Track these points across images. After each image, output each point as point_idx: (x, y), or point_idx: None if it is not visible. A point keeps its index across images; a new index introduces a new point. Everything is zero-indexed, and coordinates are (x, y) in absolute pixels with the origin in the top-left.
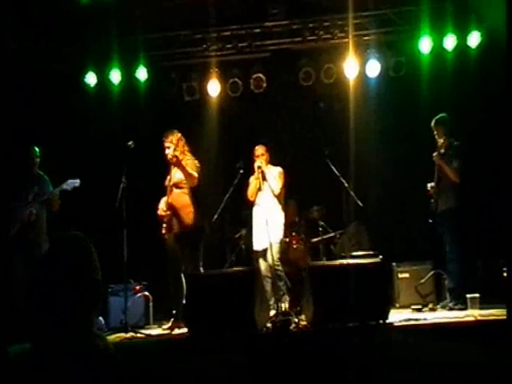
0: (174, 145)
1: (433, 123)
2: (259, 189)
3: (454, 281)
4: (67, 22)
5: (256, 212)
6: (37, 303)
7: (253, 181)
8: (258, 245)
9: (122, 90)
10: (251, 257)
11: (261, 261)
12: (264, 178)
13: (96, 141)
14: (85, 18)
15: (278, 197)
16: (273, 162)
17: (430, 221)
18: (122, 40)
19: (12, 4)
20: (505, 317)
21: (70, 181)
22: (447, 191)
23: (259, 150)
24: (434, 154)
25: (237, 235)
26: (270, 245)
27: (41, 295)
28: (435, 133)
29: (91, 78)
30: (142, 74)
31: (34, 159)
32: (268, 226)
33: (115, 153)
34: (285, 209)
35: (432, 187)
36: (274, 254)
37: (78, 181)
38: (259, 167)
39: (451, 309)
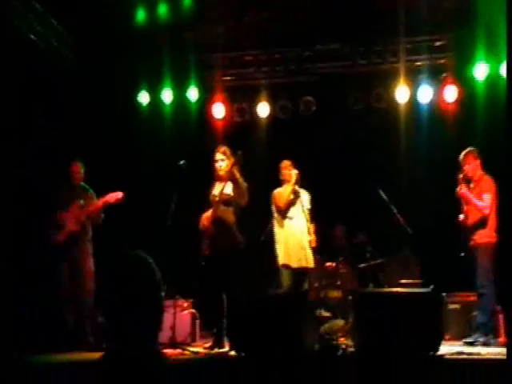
0: (226, 158)
1: (462, 155)
2: (292, 201)
3: (485, 315)
4: (122, 41)
5: (289, 226)
6: (107, 319)
7: (285, 189)
8: (294, 261)
9: (173, 109)
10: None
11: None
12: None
13: (148, 159)
14: (139, 38)
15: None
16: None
17: (462, 254)
18: (174, 60)
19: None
20: None
21: (111, 194)
22: (475, 226)
23: (287, 163)
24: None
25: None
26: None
27: (110, 312)
28: (466, 167)
29: (144, 97)
30: (193, 93)
31: (79, 172)
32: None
33: (167, 172)
34: (333, 231)
35: (463, 220)
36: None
37: (120, 193)
38: (296, 174)
39: (485, 344)
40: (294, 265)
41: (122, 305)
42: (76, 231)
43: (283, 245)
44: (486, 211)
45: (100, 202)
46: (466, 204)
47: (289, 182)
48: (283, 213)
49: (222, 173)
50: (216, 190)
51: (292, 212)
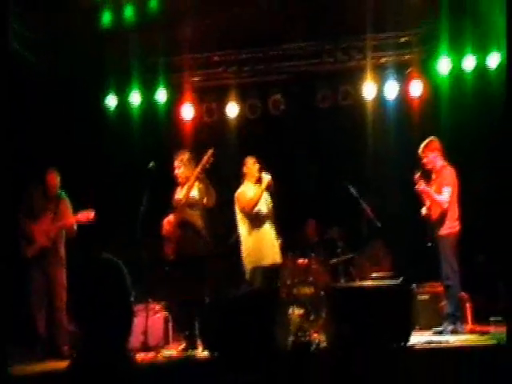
0: (183, 164)
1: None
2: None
3: (452, 305)
4: (88, 43)
5: (267, 225)
6: (76, 322)
7: (256, 189)
8: (267, 260)
9: (142, 111)
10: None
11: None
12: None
13: (117, 162)
14: (105, 40)
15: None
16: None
17: (429, 244)
18: (142, 62)
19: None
20: None
21: (83, 213)
22: (438, 219)
23: (250, 160)
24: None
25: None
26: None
27: (79, 316)
28: (425, 160)
29: (112, 100)
30: (161, 95)
31: (55, 182)
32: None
33: (136, 174)
34: (304, 228)
35: (426, 214)
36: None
37: (91, 213)
38: (269, 180)
39: (453, 332)
40: (266, 263)
41: (91, 308)
42: (46, 246)
43: (254, 245)
44: (445, 205)
45: (72, 220)
46: (427, 198)
47: (250, 177)
48: (249, 214)
49: (180, 179)
50: (179, 194)
51: (264, 209)
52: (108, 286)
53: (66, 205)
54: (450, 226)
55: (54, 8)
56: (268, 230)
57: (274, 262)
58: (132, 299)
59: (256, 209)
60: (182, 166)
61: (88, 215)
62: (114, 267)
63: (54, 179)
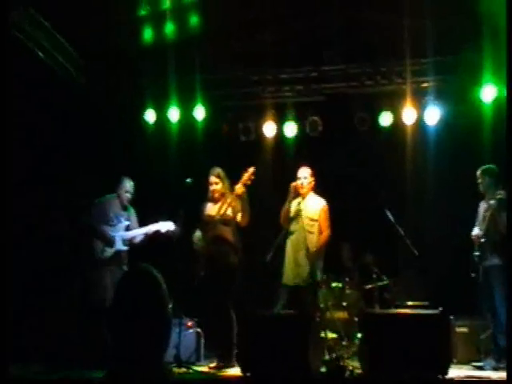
0: (220, 180)
1: (479, 172)
2: (295, 214)
3: (502, 339)
4: (128, 59)
5: (289, 242)
6: (112, 333)
7: (286, 204)
8: (287, 280)
9: (180, 128)
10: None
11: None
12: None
13: (154, 177)
14: (145, 57)
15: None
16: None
17: (473, 275)
18: (181, 79)
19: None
20: None
21: (162, 223)
22: (496, 244)
23: (303, 172)
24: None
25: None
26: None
27: (115, 325)
28: (479, 181)
29: (150, 116)
30: (199, 112)
31: (127, 192)
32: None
33: (173, 190)
34: (339, 251)
35: (478, 236)
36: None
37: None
38: (295, 187)
39: (494, 369)
40: (290, 282)
41: (127, 317)
42: (123, 251)
43: (284, 262)
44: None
45: (154, 227)
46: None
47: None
48: (285, 228)
49: (216, 195)
50: (211, 210)
51: (293, 226)
52: (145, 296)
53: (135, 217)
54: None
55: (96, 22)
56: (294, 247)
57: (296, 283)
58: (170, 309)
59: (287, 223)
60: (219, 182)
61: (169, 225)
62: (152, 277)
63: (127, 188)
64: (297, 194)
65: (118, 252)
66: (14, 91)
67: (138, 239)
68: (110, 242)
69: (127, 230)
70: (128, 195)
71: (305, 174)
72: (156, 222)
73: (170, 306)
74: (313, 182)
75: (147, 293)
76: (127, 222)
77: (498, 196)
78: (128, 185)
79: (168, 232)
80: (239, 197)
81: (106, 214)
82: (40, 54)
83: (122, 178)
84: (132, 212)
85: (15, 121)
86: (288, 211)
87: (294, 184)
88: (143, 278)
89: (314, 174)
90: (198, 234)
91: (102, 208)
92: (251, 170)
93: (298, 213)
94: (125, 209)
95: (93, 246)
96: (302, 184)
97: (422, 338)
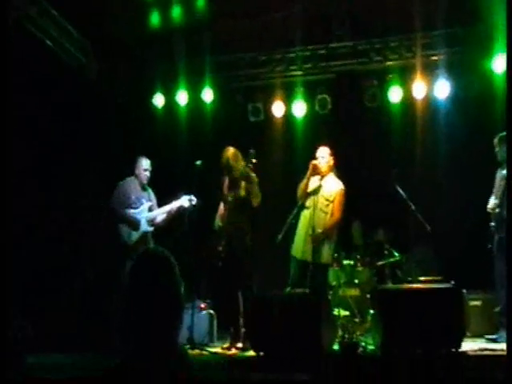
0: (238, 159)
1: (496, 140)
2: (313, 191)
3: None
4: (136, 44)
5: (302, 216)
6: (126, 318)
7: (304, 179)
8: (296, 252)
9: (188, 111)
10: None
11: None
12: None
13: (163, 160)
14: (153, 40)
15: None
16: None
17: (490, 246)
18: (188, 62)
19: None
20: None
21: (184, 197)
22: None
23: (321, 151)
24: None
25: None
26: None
27: (128, 309)
28: (497, 150)
29: (159, 100)
30: (208, 95)
31: (146, 170)
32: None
33: (182, 172)
34: (350, 229)
35: (494, 207)
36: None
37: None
38: (314, 165)
39: None
40: (298, 256)
41: (139, 300)
42: (149, 232)
43: (296, 234)
44: None
45: (177, 203)
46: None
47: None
48: (300, 203)
49: (236, 173)
50: (228, 189)
51: (309, 202)
52: (158, 278)
53: (154, 197)
54: None
55: (103, 8)
56: (305, 223)
57: (304, 258)
58: (181, 291)
59: (303, 199)
60: (237, 160)
61: (191, 198)
62: (164, 258)
63: (145, 166)
64: (316, 173)
65: (145, 234)
66: (19, 83)
67: (159, 219)
68: (135, 225)
69: (150, 211)
70: (147, 173)
71: (323, 154)
72: (177, 199)
73: (182, 288)
74: (331, 162)
75: (159, 276)
76: (150, 203)
77: None
78: (145, 163)
79: (191, 204)
80: (248, 179)
81: (129, 197)
82: (48, 41)
83: (138, 157)
84: (151, 192)
85: (18, 113)
86: (307, 186)
87: (314, 162)
88: (154, 261)
89: (333, 154)
90: (220, 212)
91: (123, 191)
92: (251, 152)
93: (317, 190)
94: (144, 189)
95: (119, 231)
96: (319, 163)
97: (435, 312)
